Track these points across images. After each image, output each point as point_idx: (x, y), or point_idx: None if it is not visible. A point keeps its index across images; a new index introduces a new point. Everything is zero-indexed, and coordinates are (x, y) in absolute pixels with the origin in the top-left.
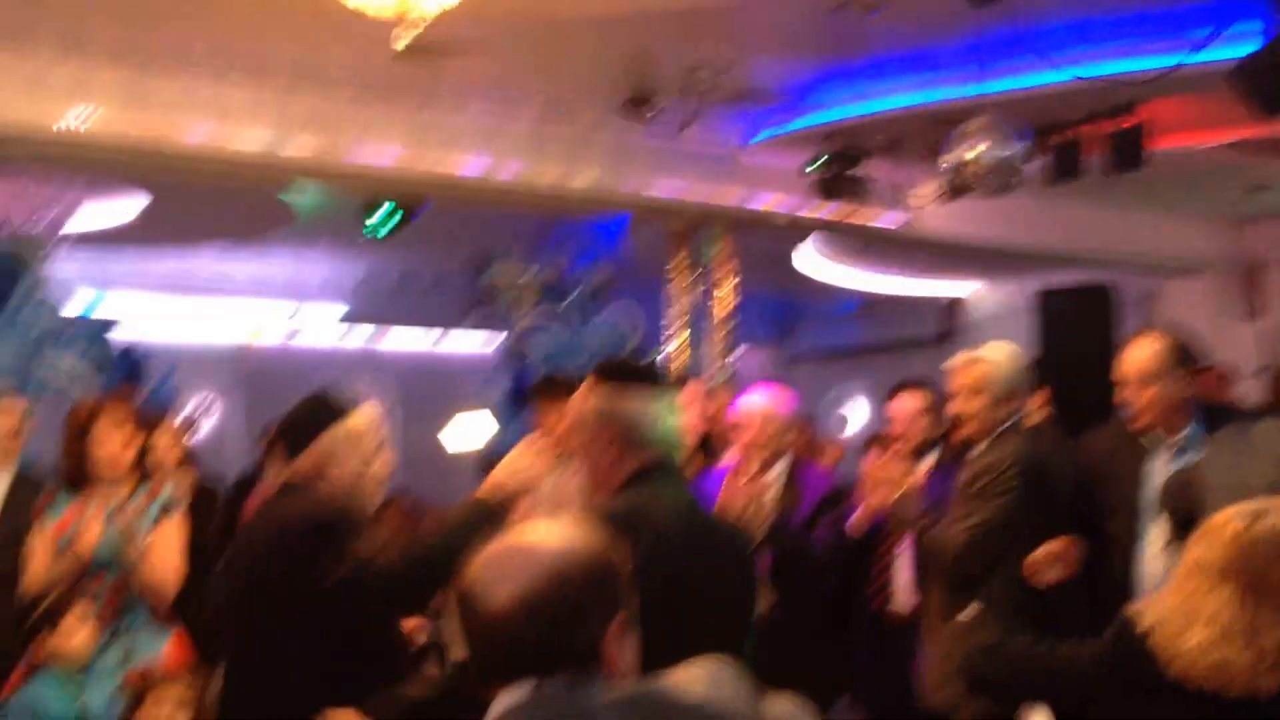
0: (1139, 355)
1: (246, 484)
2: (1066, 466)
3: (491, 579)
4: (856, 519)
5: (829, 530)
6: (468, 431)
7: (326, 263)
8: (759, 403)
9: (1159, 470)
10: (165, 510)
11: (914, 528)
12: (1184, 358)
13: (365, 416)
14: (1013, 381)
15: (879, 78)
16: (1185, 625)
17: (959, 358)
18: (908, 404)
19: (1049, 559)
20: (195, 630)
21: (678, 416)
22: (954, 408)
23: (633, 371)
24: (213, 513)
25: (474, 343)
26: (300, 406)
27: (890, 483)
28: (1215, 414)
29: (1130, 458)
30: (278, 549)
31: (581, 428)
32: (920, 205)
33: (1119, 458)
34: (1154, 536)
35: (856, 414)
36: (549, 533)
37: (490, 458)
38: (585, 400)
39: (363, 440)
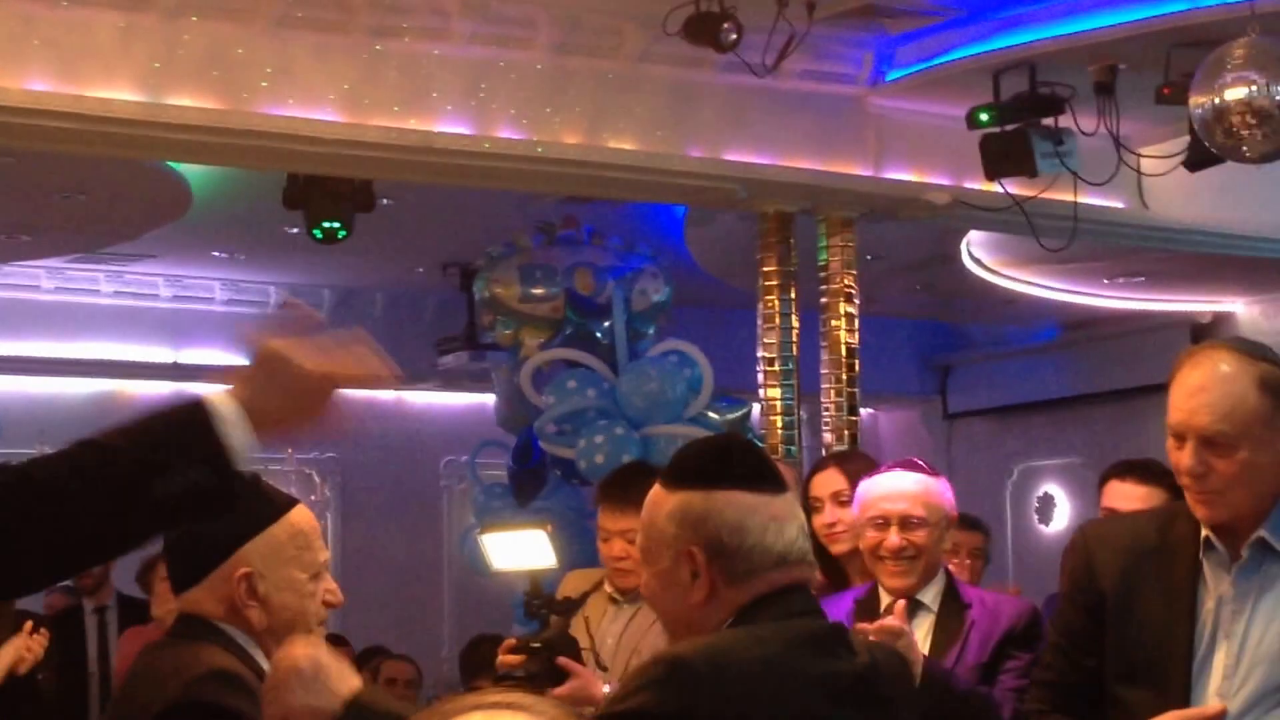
0: (1221, 391)
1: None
2: None
3: None
4: None
5: (1016, 685)
6: (509, 555)
7: (229, 280)
8: (901, 489)
9: (1214, 595)
10: None
11: None
12: None
13: (306, 516)
14: None
15: None
16: None
17: None
18: (1133, 497)
19: None
20: None
21: (798, 522)
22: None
23: (731, 462)
24: None
25: (453, 396)
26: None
27: None
28: None
29: (1185, 569)
30: None
31: (654, 551)
32: (1153, 176)
33: (1167, 569)
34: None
35: (1053, 506)
36: None
37: (541, 596)
38: (655, 508)
39: (308, 550)
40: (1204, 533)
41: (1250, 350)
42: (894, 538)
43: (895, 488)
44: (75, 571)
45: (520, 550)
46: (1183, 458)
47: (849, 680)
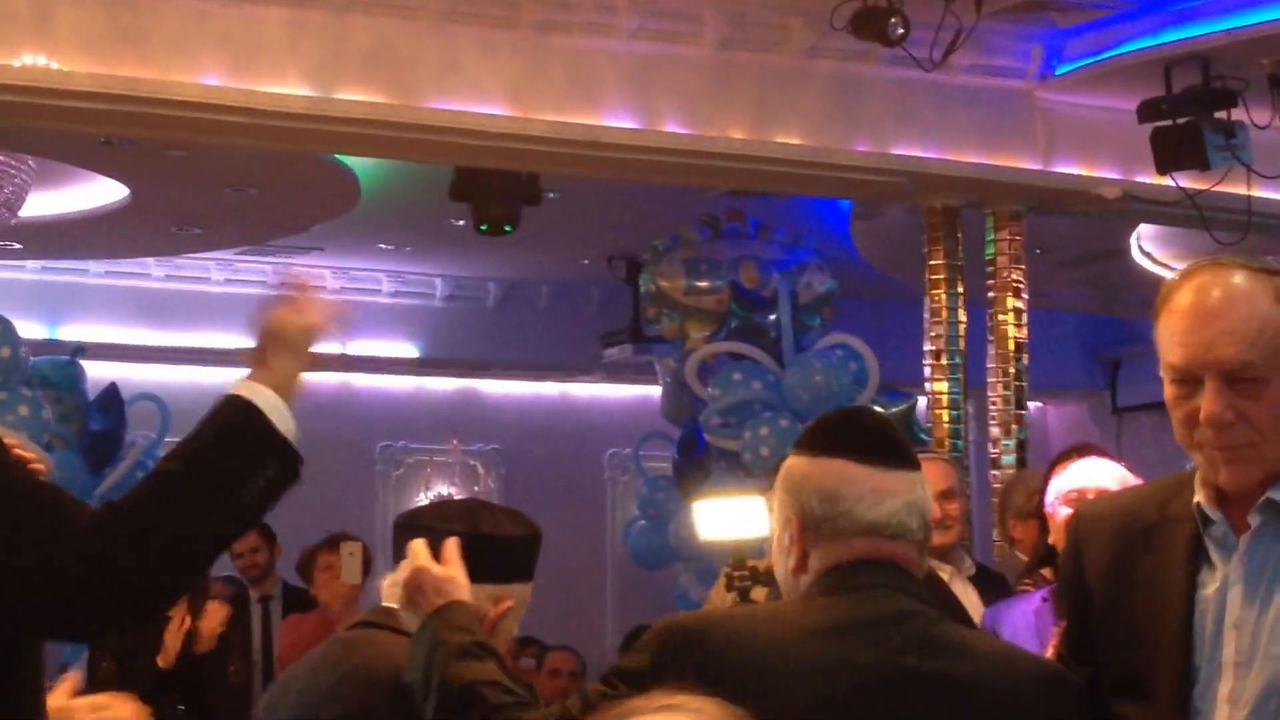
0: (1243, 313)
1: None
2: None
3: None
4: None
5: None
6: (720, 524)
7: (395, 272)
8: (1101, 470)
9: (1219, 578)
10: None
11: None
12: None
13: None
14: None
15: None
16: None
17: None
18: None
19: None
20: None
21: (908, 500)
22: None
23: (848, 432)
24: None
25: (617, 388)
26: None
27: None
28: None
29: (1183, 549)
30: None
31: (775, 514)
32: None
33: (1162, 551)
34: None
35: None
36: None
37: (744, 567)
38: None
39: (516, 621)
40: (1199, 500)
41: (1257, 263)
42: None
43: (1095, 468)
44: (183, 591)
45: (732, 519)
46: (1201, 405)
47: (898, 675)
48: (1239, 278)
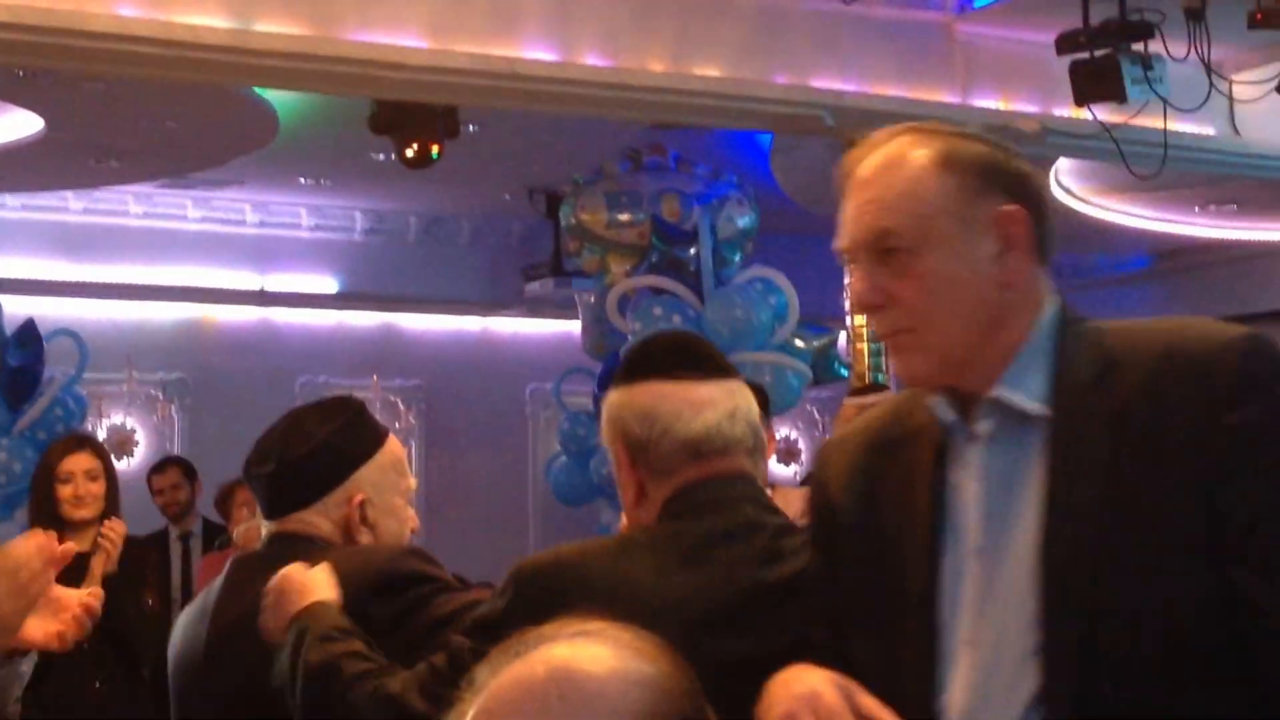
0: (889, 179)
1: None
2: None
3: None
4: None
5: None
6: None
7: (315, 206)
8: None
9: (968, 495)
10: None
11: None
12: (994, 179)
13: (398, 445)
14: None
15: None
16: None
17: None
18: None
19: None
20: None
21: (728, 408)
22: None
23: (652, 354)
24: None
25: (539, 323)
26: (315, 427)
27: None
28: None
29: (927, 460)
30: None
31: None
32: (1245, 102)
33: (906, 464)
34: (963, 667)
35: None
36: (595, 655)
37: None
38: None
39: (404, 477)
40: (932, 400)
41: (935, 127)
42: None
43: None
44: None
45: None
46: (853, 285)
47: (748, 589)
48: (898, 141)
